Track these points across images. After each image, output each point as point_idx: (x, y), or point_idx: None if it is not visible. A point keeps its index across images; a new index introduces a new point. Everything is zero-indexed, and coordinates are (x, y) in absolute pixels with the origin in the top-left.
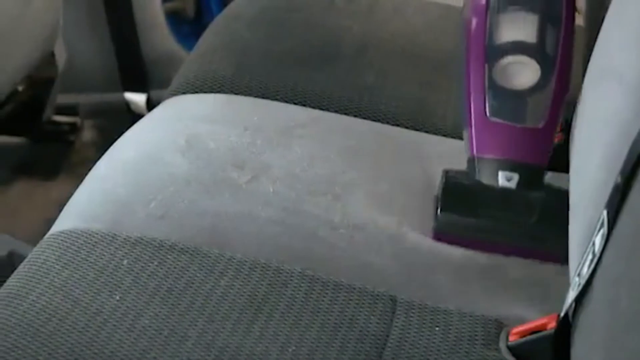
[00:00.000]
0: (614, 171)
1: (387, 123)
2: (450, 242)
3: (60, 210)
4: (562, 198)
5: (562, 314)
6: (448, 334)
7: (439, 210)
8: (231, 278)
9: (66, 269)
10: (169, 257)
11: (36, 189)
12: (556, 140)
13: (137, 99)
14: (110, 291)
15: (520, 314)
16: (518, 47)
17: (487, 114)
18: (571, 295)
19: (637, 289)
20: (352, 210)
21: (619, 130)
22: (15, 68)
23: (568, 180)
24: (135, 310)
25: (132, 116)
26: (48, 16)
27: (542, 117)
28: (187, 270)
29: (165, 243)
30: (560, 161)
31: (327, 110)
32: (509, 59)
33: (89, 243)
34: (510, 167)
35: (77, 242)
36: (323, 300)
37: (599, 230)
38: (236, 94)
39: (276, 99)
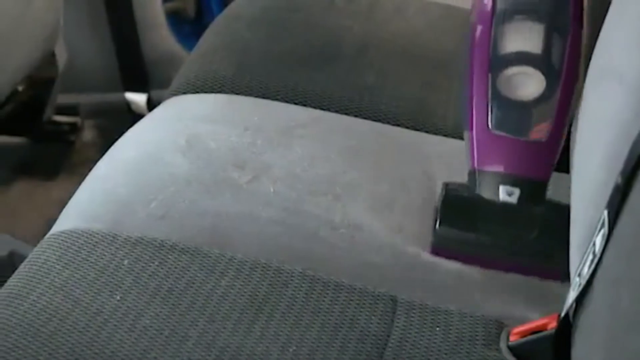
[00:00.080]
0: (615, 171)
1: (388, 123)
2: (449, 257)
3: (60, 211)
4: (563, 214)
5: (562, 314)
6: (449, 334)
7: (437, 224)
8: (232, 278)
9: (67, 269)
10: (169, 257)
11: (37, 189)
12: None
13: (138, 99)
14: (110, 291)
15: (520, 314)
16: (523, 58)
17: (490, 126)
18: (572, 295)
19: (638, 289)
20: (353, 211)
21: (619, 130)
22: (16, 68)
23: (568, 180)
24: (136, 311)
25: (132, 116)
26: (48, 16)
27: (546, 131)
28: (188, 271)
29: (166, 243)
30: (561, 161)
31: (328, 110)
32: (513, 69)
33: (90, 243)
34: (512, 181)
35: (78, 242)
36: (324, 301)
37: (600, 230)
38: (237, 94)
39: (277, 99)
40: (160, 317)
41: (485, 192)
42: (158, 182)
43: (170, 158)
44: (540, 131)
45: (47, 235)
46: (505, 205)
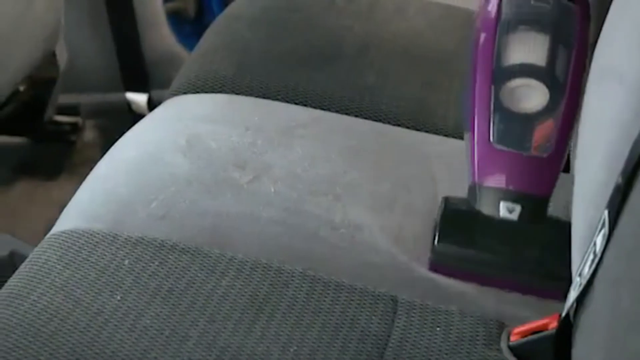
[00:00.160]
0: (615, 171)
1: (388, 123)
2: (447, 274)
3: (61, 210)
4: (564, 232)
5: (563, 314)
6: (449, 334)
7: (436, 240)
8: (232, 278)
9: (67, 269)
10: (170, 257)
11: (37, 189)
12: None
13: (139, 99)
14: (111, 291)
15: (521, 314)
16: (527, 70)
17: (492, 139)
18: (572, 295)
19: (638, 289)
20: (353, 211)
21: (619, 130)
22: (17, 68)
23: (569, 180)
24: (137, 311)
25: (133, 116)
26: (49, 16)
27: (549, 146)
28: (189, 271)
29: (166, 243)
30: None
31: (328, 110)
32: (517, 81)
33: (90, 243)
34: (513, 197)
35: (79, 242)
36: (324, 301)
37: (600, 230)
38: (237, 94)
39: (277, 99)
40: (160, 317)
41: (486, 208)
42: (159, 182)
43: (170, 158)
44: (542, 146)
45: (48, 235)
46: (505, 222)
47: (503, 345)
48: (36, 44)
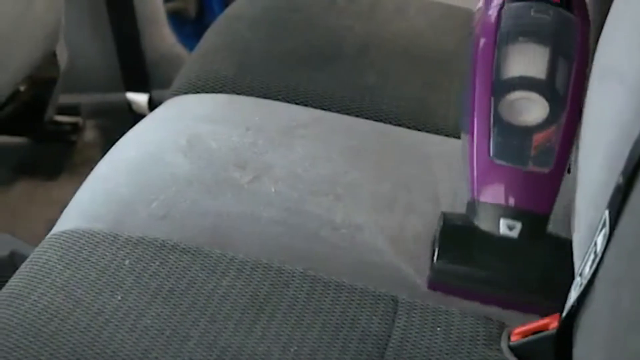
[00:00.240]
0: (616, 171)
1: (389, 123)
2: (447, 292)
3: (61, 210)
4: (565, 250)
5: (564, 315)
6: (450, 335)
7: (435, 257)
8: (233, 278)
9: (68, 269)
10: (170, 257)
11: (38, 189)
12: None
13: (139, 99)
14: (112, 291)
15: (521, 314)
16: (527, 83)
17: (491, 154)
18: (573, 295)
19: (639, 289)
20: (354, 211)
21: (620, 130)
22: (17, 68)
23: (569, 181)
24: (137, 310)
25: (134, 116)
26: (49, 16)
27: (549, 161)
28: (189, 271)
29: (167, 243)
30: None
31: (329, 110)
32: (516, 94)
33: (91, 243)
34: (514, 215)
35: (79, 242)
36: (325, 301)
37: (601, 230)
38: (238, 94)
39: (278, 99)
40: (161, 317)
41: (485, 225)
42: (159, 182)
43: (171, 158)
44: (543, 162)
45: (49, 235)
46: (505, 239)
47: (503, 345)
48: (36, 43)
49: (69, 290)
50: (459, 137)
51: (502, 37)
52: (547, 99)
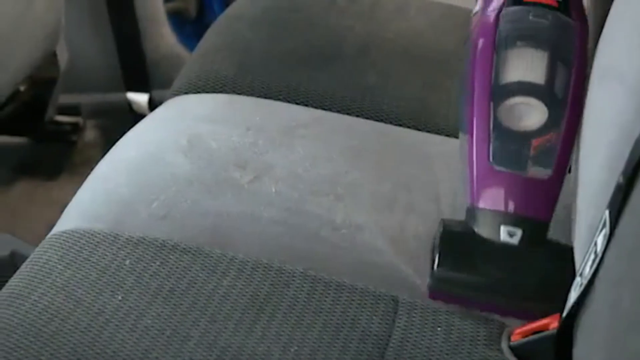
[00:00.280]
0: (616, 171)
1: (390, 123)
2: (447, 300)
3: (62, 211)
4: (565, 257)
5: (564, 314)
6: (450, 335)
7: (435, 265)
8: (233, 278)
9: (68, 269)
10: (171, 257)
11: (38, 189)
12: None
13: (140, 99)
14: (112, 291)
15: None
16: (525, 88)
17: (491, 160)
18: (573, 295)
19: (639, 289)
20: (355, 211)
21: (620, 130)
22: (17, 68)
23: (569, 181)
24: (138, 310)
25: (134, 116)
26: (50, 16)
27: (550, 167)
28: (190, 270)
29: (167, 243)
30: None
31: (330, 110)
32: (515, 99)
33: (91, 243)
34: (514, 221)
35: (80, 242)
36: (325, 301)
37: (601, 230)
38: (238, 94)
39: (278, 99)
40: (161, 317)
41: (485, 231)
42: (160, 182)
43: (171, 158)
44: (543, 167)
45: (49, 235)
46: (506, 246)
47: (504, 345)
48: (37, 43)
49: (69, 291)
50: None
51: (500, 41)
52: (546, 104)
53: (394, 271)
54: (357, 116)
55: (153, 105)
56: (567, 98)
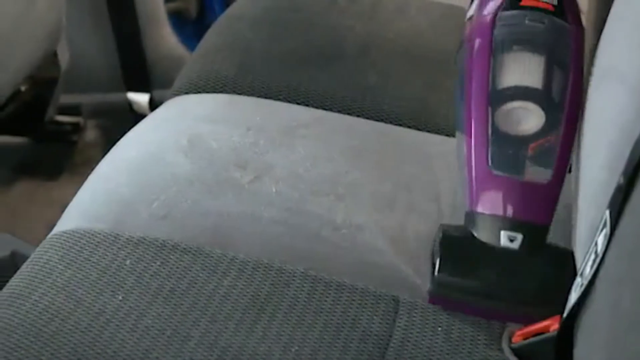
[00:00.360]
0: (617, 171)
1: (390, 123)
2: (447, 306)
3: (62, 211)
4: (565, 261)
5: (564, 315)
6: (451, 335)
7: (436, 271)
8: (234, 278)
9: (69, 269)
10: (171, 257)
11: (38, 189)
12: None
13: (140, 99)
14: (112, 291)
15: None
16: (522, 93)
17: (490, 164)
18: (574, 296)
19: (639, 289)
20: (355, 211)
21: (621, 130)
22: (18, 68)
23: (569, 181)
24: (138, 310)
25: (134, 116)
26: (50, 16)
27: (548, 171)
28: (190, 270)
29: (167, 243)
30: None
31: (330, 110)
32: (512, 104)
33: (92, 243)
34: (514, 226)
35: (80, 242)
36: (326, 301)
37: (602, 230)
38: (239, 94)
39: (279, 99)
40: (162, 317)
41: (485, 237)
42: (160, 182)
43: (172, 158)
44: (542, 172)
45: (49, 235)
46: (506, 251)
47: (505, 345)
48: (37, 43)
49: (70, 291)
50: None
51: (497, 45)
52: (543, 109)
53: (394, 271)
54: (358, 116)
55: (154, 105)
56: (564, 102)
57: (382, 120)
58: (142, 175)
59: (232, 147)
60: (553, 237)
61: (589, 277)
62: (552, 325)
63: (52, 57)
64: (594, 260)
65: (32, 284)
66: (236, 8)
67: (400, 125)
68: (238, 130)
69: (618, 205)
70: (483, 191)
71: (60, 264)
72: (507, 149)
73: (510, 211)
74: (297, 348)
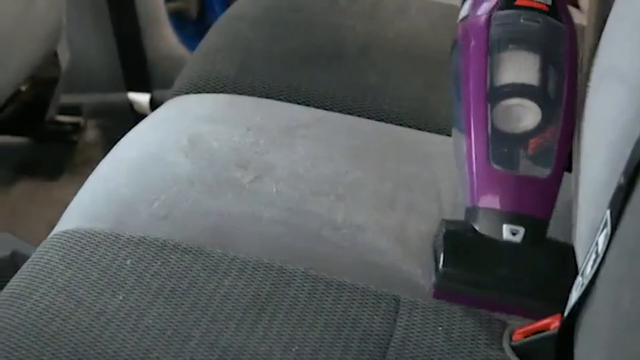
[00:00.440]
0: (617, 171)
1: (391, 123)
2: (451, 299)
3: (62, 211)
4: (567, 254)
5: (565, 314)
6: (451, 334)
7: (440, 265)
8: (234, 278)
9: (69, 268)
10: (172, 257)
11: (38, 189)
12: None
13: (141, 98)
14: (113, 291)
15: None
16: (519, 90)
17: (490, 161)
18: (574, 295)
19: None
20: (356, 211)
21: (621, 130)
22: (18, 68)
23: (569, 180)
24: (139, 310)
25: (135, 116)
26: (51, 16)
27: (548, 166)
28: (191, 270)
29: (168, 243)
30: None
31: (331, 110)
32: (509, 101)
33: (92, 243)
34: (516, 220)
35: (81, 242)
36: (326, 300)
37: (602, 230)
38: (239, 93)
39: (279, 99)
40: (163, 317)
41: (488, 231)
42: (161, 182)
43: (172, 158)
44: (541, 166)
45: (50, 235)
46: (508, 244)
47: (505, 344)
48: (38, 43)
49: (70, 291)
50: None
51: (493, 44)
52: (539, 105)
53: (395, 271)
54: (358, 116)
55: (154, 105)
56: (559, 99)
57: (382, 120)
58: (142, 175)
59: (232, 147)
60: (553, 233)
61: (589, 277)
62: (553, 323)
63: (52, 57)
64: (595, 260)
65: (33, 284)
66: (237, 8)
67: (401, 125)
68: (238, 130)
69: (619, 205)
70: (484, 186)
71: (61, 264)
72: (506, 145)
73: (511, 205)
74: (297, 348)
